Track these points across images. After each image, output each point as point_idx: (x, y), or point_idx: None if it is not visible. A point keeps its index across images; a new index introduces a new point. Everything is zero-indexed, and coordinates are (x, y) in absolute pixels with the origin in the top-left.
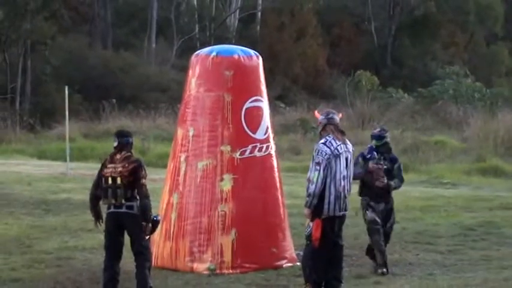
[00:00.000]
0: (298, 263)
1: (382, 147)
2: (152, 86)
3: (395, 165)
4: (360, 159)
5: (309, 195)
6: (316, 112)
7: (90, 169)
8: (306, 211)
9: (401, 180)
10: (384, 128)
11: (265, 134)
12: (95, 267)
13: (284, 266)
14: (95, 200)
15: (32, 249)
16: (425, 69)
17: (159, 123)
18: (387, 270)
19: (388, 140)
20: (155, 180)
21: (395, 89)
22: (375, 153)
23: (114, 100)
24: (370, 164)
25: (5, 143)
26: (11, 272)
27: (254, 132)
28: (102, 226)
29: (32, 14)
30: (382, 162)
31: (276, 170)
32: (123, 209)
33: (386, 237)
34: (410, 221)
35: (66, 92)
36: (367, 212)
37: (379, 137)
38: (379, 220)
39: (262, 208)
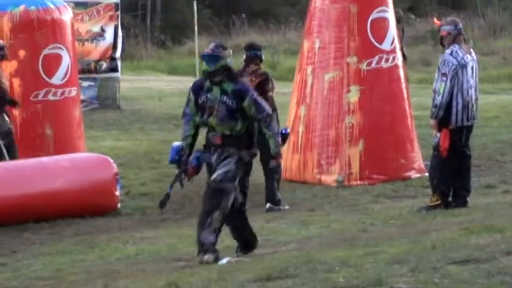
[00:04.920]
0: (426, 174)
1: (217, 75)
2: (282, 0)
3: (246, 101)
4: (192, 96)
5: (435, 106)
6: (435, 20)
7: None
8: (432, 122)
9: (265, 114)
10: (220, 44)
11: (391, 44)
12: None
13: (412, 177)
14: None
15: (162, 164)
16: None
17: (289, 37)
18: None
19: (227, 62)
20: (285, 93)
21: None
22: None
23: (243, 15)
24: None
25: (137, 60)
26: (141, 186)
27: (380, 43)
28: None
29: None
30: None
31: (403, 81)
32: None
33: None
34: None
35: (195, 7)
36: None
37: (211, 58)
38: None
39: (390, 119)
